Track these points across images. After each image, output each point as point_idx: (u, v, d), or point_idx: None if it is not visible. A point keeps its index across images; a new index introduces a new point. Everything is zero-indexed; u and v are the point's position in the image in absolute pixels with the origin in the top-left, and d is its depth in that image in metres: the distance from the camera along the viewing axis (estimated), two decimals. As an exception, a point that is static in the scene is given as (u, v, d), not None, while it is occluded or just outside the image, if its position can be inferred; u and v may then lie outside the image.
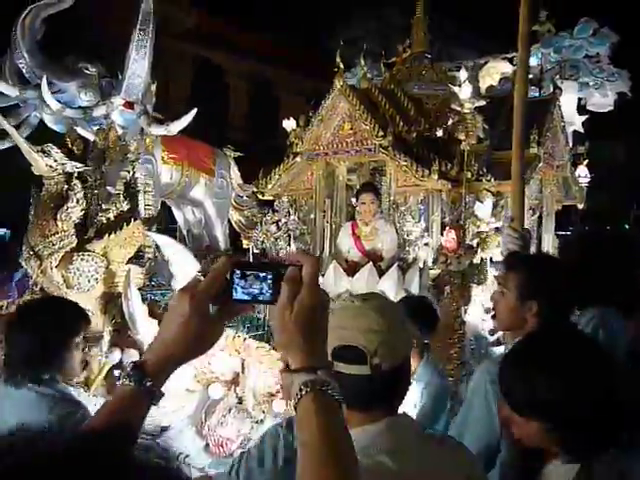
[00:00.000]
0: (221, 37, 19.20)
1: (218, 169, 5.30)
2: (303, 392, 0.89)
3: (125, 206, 3.48)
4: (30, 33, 4.22)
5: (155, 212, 4.84)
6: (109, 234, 3.25)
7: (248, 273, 0.94)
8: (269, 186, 7.78)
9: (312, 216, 7.89)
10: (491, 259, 6.70)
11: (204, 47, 19.70)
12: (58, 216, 3.03)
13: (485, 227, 6.42)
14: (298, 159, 7.58)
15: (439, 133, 7.64)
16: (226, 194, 5.40)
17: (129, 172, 3.59)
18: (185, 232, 5.66)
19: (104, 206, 3.48)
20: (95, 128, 4.73)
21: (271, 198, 8.44)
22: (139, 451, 0.65)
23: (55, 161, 3.16)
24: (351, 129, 7.31)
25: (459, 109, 6.71)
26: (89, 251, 3.15)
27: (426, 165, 6.68)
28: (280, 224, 5.47)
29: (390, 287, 4.99)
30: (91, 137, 4.50)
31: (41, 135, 4.75)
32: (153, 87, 4.48)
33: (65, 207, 3.05)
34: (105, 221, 3.38)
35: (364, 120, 6.96)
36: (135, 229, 3.38)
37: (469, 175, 6.84)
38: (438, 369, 3.03)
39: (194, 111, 4.17)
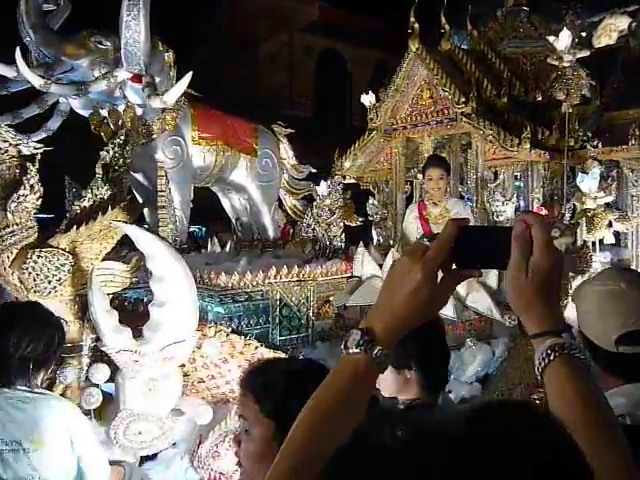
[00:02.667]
0: (343, 27, 19.15)
1: (261, 148, 4.69)
2: (551, 357, 0.88)
3: (105, 192, 2.95)
4: (34, 8, 3.81)
5: (180, 202, 4.34)
6: (78, 226, 2.74)
7: (475, 237, 0.92)
8: (345, 167, 7.12)
9: (393, 199, 7.10)
10: (601, 242, 5.56)
11: (327, 38, 19.73)
12: (7, 207, 2.56)
13: (591, 203, 5.28)
14: (374, 135, 6.81)
15: (539, 97, 6.53)
16: (272, 177, 4.78)
17: (108, 152, 3.06)
18: (234, 221, 5.13)
19: (84, 193, 2.98)
20: (122, 109, 4.31)
21: (353, 181, 7.80)
22: None
23: (5, 141, 2.69)
24: (431, 98, 6.40)
25: (557, 63, 5.58)
26: (50, 247, 2.66)
27: (518, 133, 5.66)
28: (333, 208, 4.75)
29: (459, 280, 4.13)
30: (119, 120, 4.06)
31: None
32: (167, 56, 3.94)
33: (15, 196, 2.57)
34: (79, 211, 2.88)
35: (443, 86, 6.02)
36: (113, 219, 2.84)
37: (572, 142, 5.72)
38: None
39: (189, 75, 3.59)
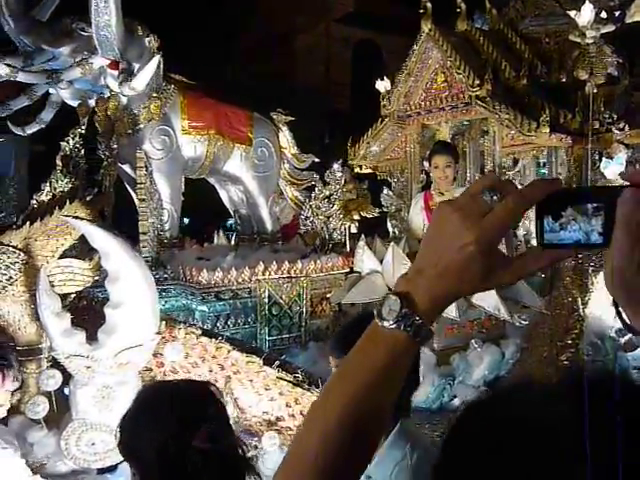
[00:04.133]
0: (379, 17, 18.99)
1: (257, 137, 4.46)
2: None
3: (65, 185, 2.76)
4: (12, -5, 3.65)
5: (170, 195, 4.16)
6: (32, 221, 2.56)
7: (568, 205, 0.66)
8: (359, 156, 6.84)
9: (408, 189, 6.79)
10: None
11: (363, 28, 19.57)
12: (-51, 201, 2.40)
13: (617, 191, 4.88)
14: (387, 122, 6.50)
15: (564, 78, 6.12)
16: (270, 167, 4.54)
17: (68, 142, 2.87)
18: (232, 213, 4.91)
19: (42, 186, 2.80)
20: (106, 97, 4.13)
21: (369, 171, 7.51)
22: None
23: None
24: (445, 81, 6.06)
25: (579, 40, 5.18)
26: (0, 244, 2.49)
27: (537, 117, 5.29)
28: (332, 199, 4.49)
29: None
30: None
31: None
32: (148, 41, 3.73)
33: (-43, 190, 2.41)
34: (36, 205, 2.70)
35: (457, 68, 5.67)
36: (69, 214, 2.65)
37: (596, 125, 5.31)
38: (421, 444, 1.64)
39: (156, 59, 3.39)
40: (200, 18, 16.14)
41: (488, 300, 3.87)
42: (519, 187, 0.71)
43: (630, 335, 4.20)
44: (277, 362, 2.89)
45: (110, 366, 2.45)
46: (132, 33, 3.61)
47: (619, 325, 3.56)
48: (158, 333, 2.62)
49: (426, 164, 4.47)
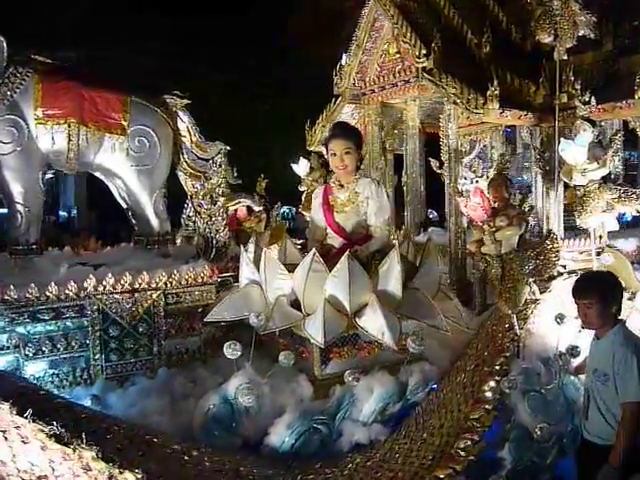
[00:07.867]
0: None
1: (133, 125, 3.83)
2: None
3: None
4: None
5: (22, 194, 3.63)
6: None
7: None
8: (315, 141, 6.12)
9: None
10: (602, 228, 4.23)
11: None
12: None
13: (580, 179, 3.98)
14: (340, 102, 5.73)
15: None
16: (153, 158, 3.92)
17: None
18: (125, 211, 4.32)
19: None
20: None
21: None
22: None
23: None
24: (398, 53, 5.24)
25: (540, -4, 4.27)
26: None
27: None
28: (215, 195, 3.83)
29: (341, 292, 3.09)
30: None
31: None
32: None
33: None
34: None
35: (403, 37, 4.84)
36: None
37: (565, 99, 4.39)
38: None
39: None
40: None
41: (372, 322, 3.12)
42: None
43: (584, 357, 3.38)
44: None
45: None
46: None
47: (570, 343, 2.64)
48: None
49: (323, 149, 3.72)
